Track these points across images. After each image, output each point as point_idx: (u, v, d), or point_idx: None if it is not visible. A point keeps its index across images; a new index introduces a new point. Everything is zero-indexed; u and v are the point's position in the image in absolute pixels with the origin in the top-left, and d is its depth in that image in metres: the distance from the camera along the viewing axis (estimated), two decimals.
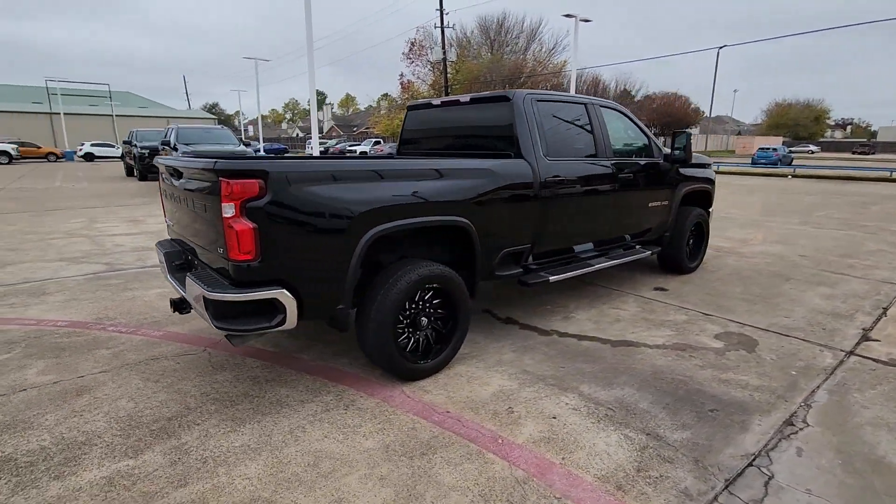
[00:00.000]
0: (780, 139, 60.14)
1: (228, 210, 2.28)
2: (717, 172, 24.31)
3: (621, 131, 4.60)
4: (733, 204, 11.91)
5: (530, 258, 3.78)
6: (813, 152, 55.57)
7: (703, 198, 5.59)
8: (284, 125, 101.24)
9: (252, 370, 3.14)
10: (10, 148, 28.70)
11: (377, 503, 1.98)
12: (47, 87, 40.53)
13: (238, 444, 2.36)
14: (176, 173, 2.92)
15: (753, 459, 2.27)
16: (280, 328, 2.47)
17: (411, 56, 40.11)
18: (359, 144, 37.16)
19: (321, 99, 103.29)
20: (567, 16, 19.18)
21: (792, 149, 46.45)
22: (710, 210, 5.79)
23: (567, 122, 4.02)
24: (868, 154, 53.63)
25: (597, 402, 2.77)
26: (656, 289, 4.92)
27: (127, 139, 18.02)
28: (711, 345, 3.56)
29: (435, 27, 31.46)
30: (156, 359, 3.29)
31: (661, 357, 3.36)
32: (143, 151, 15.20)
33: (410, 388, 2.90)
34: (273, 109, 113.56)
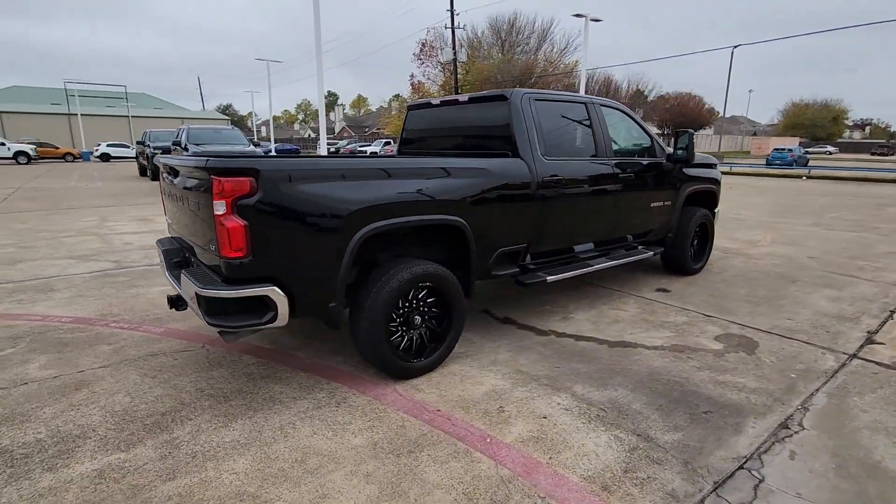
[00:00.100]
0: (797, 140, 59.18)
1: (220, 207, 2.31)
2: (729, 173, 23.79)
3: (623, 131, 4.57)
4: (744, 205, 11.76)
5: (528, 258, 3.77)
6: (830, 153, 54.59)
7: (708, 198, 5.52)
8: (297, 126, 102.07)
9: (248, 367, 3.17)
10: (28, 148, 29.30)
11: (361, 499, 1.98)
12: (66, 89, 41.33)
13: (228, 439, 2.38)
14: (173, 172, 2.96)
15: (744, 462, 2.24)
16: (271, 325, 2.49)
17: (422, 57, 40.24)
18: (369, 145, 37.31)
19: (333, 100, 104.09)
20: (577, 15, 19.08)
21: (809, 149, 45.75)
22: (716, 211, 5.71)
23: (566, 121, 4.00)
24: (887, 155, 52.54)
25: (589, 402, 2.75)
26: (658, 290, 4.87)
27: (140, 139, 18.32)
28: (710, 346, 3.52)
29: (445, 28, 31.50)
30: (155, 355, 3.34)
31: (659, 358, 3.33)
32: (156, 151, 15.43)
33: (403, 387, 2.91)
34: (286, 110, 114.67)
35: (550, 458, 2.26)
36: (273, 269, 2.47)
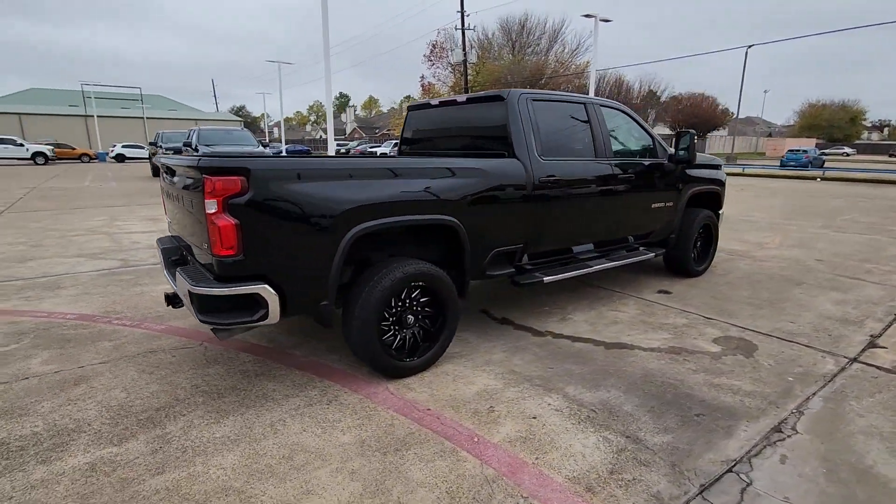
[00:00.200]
0: (814, 141, 58.26)
1: (211, 206, 2.34)
2: (741, 175, 23.48)
3: (623, 131, 4.54)
4: (755, 207, 11.60)
5: (524, 258, 3.76)
6: (847, 155, 53.58)
7: (712, 199, 5.47)
8: (308, 127, 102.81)
9: (243, 364, 3.21)
10: (46, 149, 29.87)
11: (344, 496, 2.00)
12: (83, 91, 42.08)
13: (219, 435, 2.42)
14: (171, 172, 3.01)
15: (733, 465, 2.21)
16: (262, 323, 2.52)
17: (432, 58, 40.34)
18: (379, 146, 37.45)
19: (344, 101, 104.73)
20: (586, 16, 18.98)
21: (825, 151, 44.95)
22: (721, 212, 5.65)
23: (565, 121, 3.99)
24: None
25: (580, 403, 2.74)
26: (660, 291, 4.83)
27: (153, 140, 18.60)
28: (708, 349, 3.48)
29: (456, 29, 31.55)
30: (154, 351, 3.39)
31: (655, 360, 3.30)
32: (168, 152, 15.65)
33: (395, 386, 2.92)
34: (298, 112, 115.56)
35: (537, 458, 2.25)
36: (264, 267, 2.50)
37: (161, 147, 16.31)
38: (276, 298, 2.50)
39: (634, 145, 4.64)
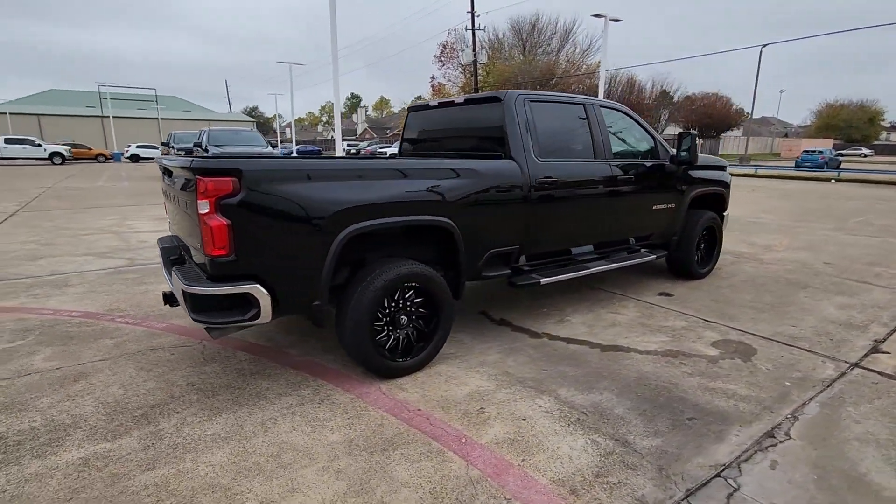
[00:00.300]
0: (831, 141, 57.20)
1: (203, 207, 2.38)
2: (754, 176, 23.12)
3: (624, 132, 4.51)
4: (765, 208, 11.45)
5: (521, 259, 3.75)
6: (865, 156, 52.55)
7: (716, 201, 5.40)
8: (320, 128, 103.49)
9: (240, 363, 3.24)
10: (63, 149, 30.45)
11: (328, 494, 2.02)
12: (99, 92, 42.84)
13: (210, 432, 2.45)
14: (168, 173, 3.06)
15: (722, 470, 2.19)
16: (254, 322, 2.55)
17: (443, 59, 40.40)
18: (389, 146, 37.60)
19: (356, 102, 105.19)
20: (596, 16, 18.87)
21: (842, 152, 44.13)
22: (725, 214, 5.58)
23: (563, 122, 3.98)
24: None
25: (571, 405, 2.73)
26: (661, 294, 4.79)
27: (165, 141, 18.87)
28: (706, 352, 3.45)
29: (466, 29, 31.55)
30: (153, 349, 3.44)
31: (650, 363, 3.28)
32: (180, 152, 15.87)
33: (387, 386, 2.94)
34: (310, 112, 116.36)
35: (523, 460, 2.25)
36: (256, 267, 2.53)
37: (173, 147, 16.55)
38: (268, 298, 2.53)
39: (635, 146, 4.61)
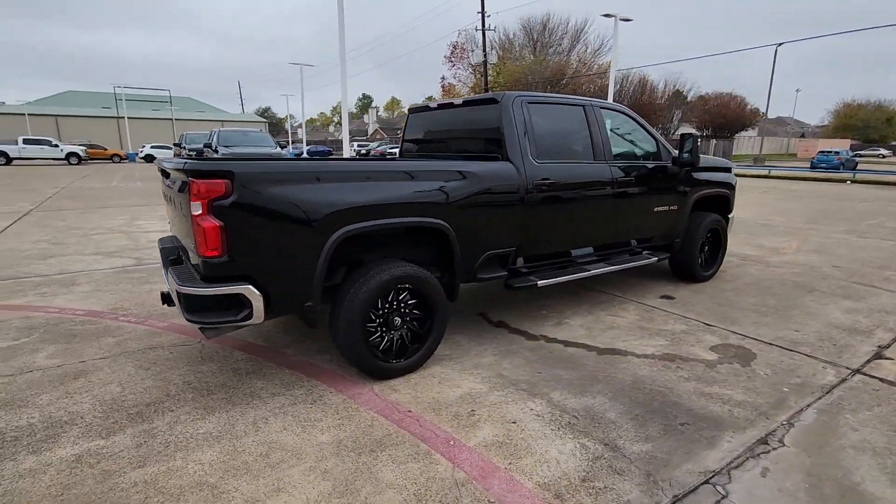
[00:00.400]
0: (848, 142, 56.21)
1: (196, 208, 2.41)
2: (767, 177, 22.77)
3: (625, 134, 4.48)
4: (776, 210, 11.28)
5: (519, 261, 3.74)
6: (883, 157, 51.53)
7: (720, 203, 5.34)
8: (331, 128, 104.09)
9: (236, 362, 3.28)
10: (79, 150, 31.00)
11: (313, 495, 2.03)
12: (115, 93, 43.51)
13: (202, 431, 2.48)
14: (166, 174, 3.10)
15: (711, 477, 2.17)
16: (247, 323, 2.57)
17: (453, 59, 40.40)
18: (398, 147, 37.71)
19: (367, 102, 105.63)
20: (606, 15, 18.75)
21: (859, 152, 43.36)
22: (730, 216, 5.51)
23: (562, 124, 3.96)
24: None
25: (563, 409, 2.72)
26: (663, 297, 4.74)
27: (177, 141, 19.12)
28: (704, 357, 3.41)
29: (476, 30, 31.51)
30: (153, 348, 3.49)
31: (647, 367, 3.25)
32: (191, 153, 16.07)
33: (380, 387, 2.95)
34: (322, 113, 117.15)
35: (510, 463, 2.25)
36: (249, 268, 2.56)
37: (184, 148, 16.77)
38: (261, 299, 2.55)
39: (636, 148, 4.57)
